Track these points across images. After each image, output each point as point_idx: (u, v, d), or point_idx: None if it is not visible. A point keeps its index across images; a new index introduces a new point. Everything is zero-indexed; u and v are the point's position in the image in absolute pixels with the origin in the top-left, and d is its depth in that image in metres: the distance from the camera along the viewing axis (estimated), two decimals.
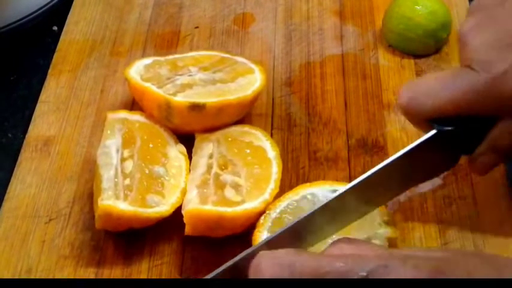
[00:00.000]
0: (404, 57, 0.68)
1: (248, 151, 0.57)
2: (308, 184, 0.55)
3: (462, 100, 0.49)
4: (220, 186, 0.54)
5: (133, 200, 0.53)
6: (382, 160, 0.59)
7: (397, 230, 0.52)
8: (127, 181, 0.54)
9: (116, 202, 0.52)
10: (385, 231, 0.51)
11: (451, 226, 0.55)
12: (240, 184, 0.54)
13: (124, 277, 0.54)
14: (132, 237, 0.56)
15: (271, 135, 0.62)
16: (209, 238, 0.54)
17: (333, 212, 0.49)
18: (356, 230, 0.50)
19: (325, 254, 0.43)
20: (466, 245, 0.54)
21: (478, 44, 0.49)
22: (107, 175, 0.54)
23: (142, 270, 0.54)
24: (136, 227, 0.55)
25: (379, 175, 0.50)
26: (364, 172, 0.58)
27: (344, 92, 0.65)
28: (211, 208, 0.52)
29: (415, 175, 0.52)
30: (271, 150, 0.57)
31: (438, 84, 0.50)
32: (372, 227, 0.51)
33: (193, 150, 0.58)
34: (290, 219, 0.51)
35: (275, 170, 0.55)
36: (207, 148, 0.58)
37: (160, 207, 0.54)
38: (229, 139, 0.58)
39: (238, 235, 0.54)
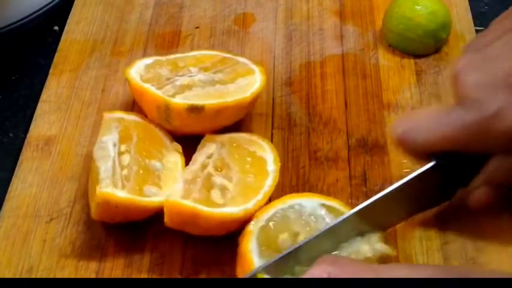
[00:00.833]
0: (404, 57, 0.68)
1: (249, 159, 0.56)
2: (296, 194, 0.54)
3: (453, 137, 0.50)
4: (208, 186, 0.54)
5: (131, 189, 0.54)
6: (382, 160, 0.60)
7: (395, 249, 0.52)
8: (124, 171, 0.55)
9: (114, 190, 0.53)
10: (383, 247, 0.51)
11: (451, 226, 0.55)
12: (228, 188, 0.54)
13: (125, 276, 0.54)
14: (133, 237, 0.56)
15: (272, 135, 0.62)
16: (210, 239, 0.54)
17: (329, 236, 0.50)
18: (354, 244, 0.51)
19: (307, 275, 0.44)
20: (466, 245, 0.54)
21: (470, 82, 0.50)
22: (105, 166, 0.55)
23: (142, 269, 0.54)
24: (133, 218, 0.55)
25: (377, 204, 0.51)
26: (364, 172, 0.59)
27: (344, 92, 0.65)
28: (189, 204, 0.52)
29: (412, 205, 0.53)
30: (272, 164, 0.56)
31: (431, 120, 0.51)
32: (369, 243, 0.51)
33: (198, 147, 0.58)
34: (276, 227, 0.51)
35: (269, 183, 0.55)
36: (209, 148, 0.58)
37: (158, 197, 0.54)
38: (234, 144, 0.58)
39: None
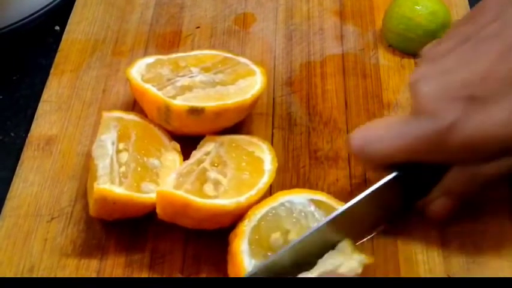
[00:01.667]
0: (404, 57, 0.68)
1: (246, 158, 0.56)
2: (286, 191, 0.55)
3: (411, 148, 0.50)
4: (202, 180, 0.54)
5: (128, 186, 0.54)
6: None
7: (371, 256, 0.52)
8: (122, 169, 0.55)
9: (111, 186, 0.53)
10: (360, 258, 0.51)
11: (451, 226, 0.56)
12: (222, 183, 0.54)
13: (125, 275, 0.54)
14: (134, 236, 0.56)
15: (272, 135, 0.62)
16: (210, 238, 0.55)
17: (307, 245, 0.51)
18: (330, 258, 0.51)
19: None
20: (466, 245, 0.55)
21: (426, 93, 0.50)
22: (103, 164, 0.55)
23: (143, 268, 0.55)
24: (131, 215, 0.55)
25: (346, 214, 0.51)
26: (364, 171, 0.59)
27: (344, 92, 0.66)
28: (180, 193, 0.52)
29: (376, 216, 0.54)
30: (269, 164, 0.56)
31: (388, 132, 0.51)
32: (344, 255, 0.51)
33: (198, 146, 0.58)
34: (268, 226, 0.52)
35: (264, 180, 0.55)
36: (208, 146, 0.58)
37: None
38: (233, 144, 0.58)
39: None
